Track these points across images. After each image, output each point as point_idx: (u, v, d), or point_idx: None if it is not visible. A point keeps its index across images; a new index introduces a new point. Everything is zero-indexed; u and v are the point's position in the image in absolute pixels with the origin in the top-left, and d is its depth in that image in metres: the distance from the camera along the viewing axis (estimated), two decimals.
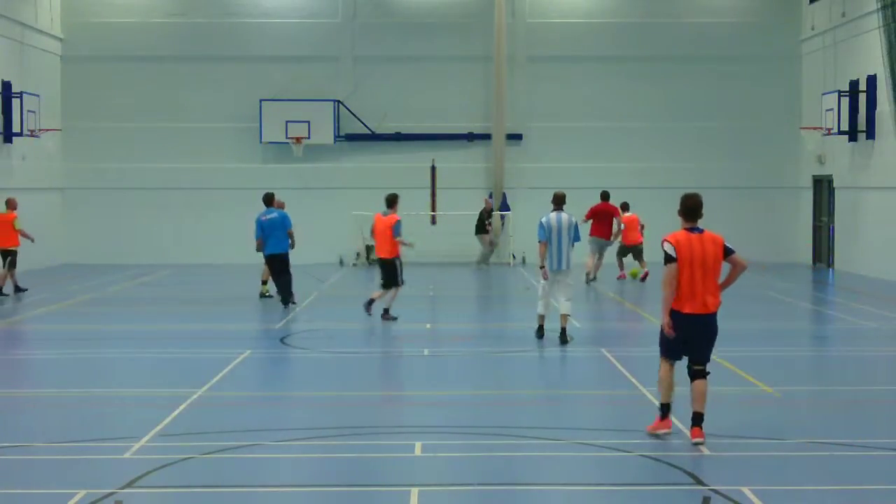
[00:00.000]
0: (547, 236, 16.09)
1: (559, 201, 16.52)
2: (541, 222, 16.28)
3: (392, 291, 19.24)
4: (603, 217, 26.52)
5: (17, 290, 23.26)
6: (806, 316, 21.37)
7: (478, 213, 32.03)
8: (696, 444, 9.90)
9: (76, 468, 9.43)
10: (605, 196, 27.25)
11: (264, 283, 22.80)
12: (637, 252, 26.93)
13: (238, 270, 28.89)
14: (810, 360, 16.04)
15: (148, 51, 33.09)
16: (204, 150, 33.18)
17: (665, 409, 10.30)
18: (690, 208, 10.50)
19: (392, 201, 19.35)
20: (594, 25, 33.52)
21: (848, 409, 11.99)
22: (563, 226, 16.17)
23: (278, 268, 21.02)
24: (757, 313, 20.55)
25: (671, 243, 10.27)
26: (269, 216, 21.30)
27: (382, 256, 19.38)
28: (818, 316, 21.38)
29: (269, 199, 21.81)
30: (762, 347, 16.15)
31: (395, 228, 19.11)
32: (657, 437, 10.25)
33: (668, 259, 10.26)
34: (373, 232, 19.65)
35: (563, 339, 16.22)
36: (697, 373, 10.21)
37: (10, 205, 23.56)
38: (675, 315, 10.26)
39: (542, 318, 16.67)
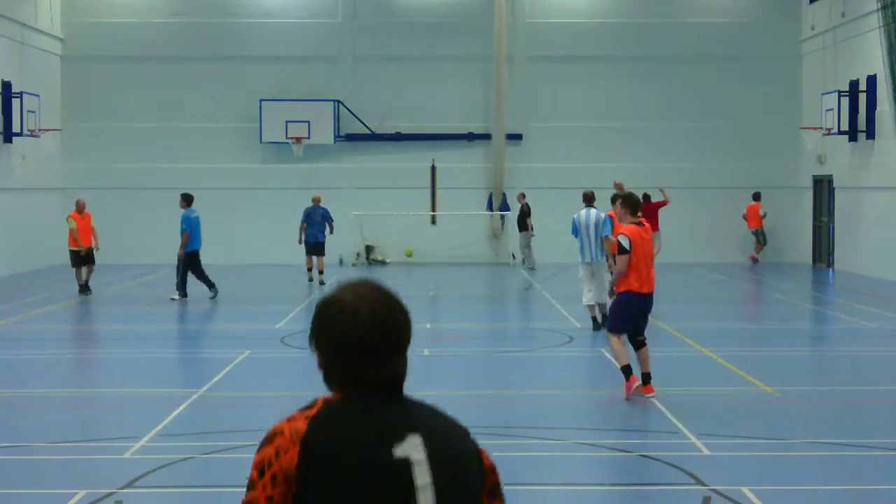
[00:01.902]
0: (577, 231, 17.58)
1: (588, 199, 18.01)
2: (573, 218, 17.79)
3: None
4: (650, 217, 26.82)
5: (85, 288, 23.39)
6: (806, 316, 21.38)
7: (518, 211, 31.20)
8: (650, 397, 11.83)
9: (76, 468, 9.44)
10: (646, 198, 27.69)
11: (310, 269, 26.17)
12: None
13: (238, 270, 28.89)
14: (810, 360, 16.04)
15: (148, 51, 33.08)
16: (204, 150, 33.17)
17: (628, 370, 11.95)
18: (636, 205, 12.30)
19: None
20: (594, 25, 33.52)
21: (848, 409, 11.99)
22: (591, 221, 17.42)
23: (180, 263, 22.49)
24: (757, 313, 20.55)
25: (627, 236, 11.96)
26: (194, 215, 22.94)
27: None
28: (818, 316, 21.39)
29: (189, 199, 23.62)
30: (762, 347, 16.16)
31: None
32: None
33: (623, 250, 11.91)
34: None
35: (597, 325, 17.34)
36: (642, 342, 12.12)
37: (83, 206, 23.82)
38: (633, 295, 11.99)
39: (591, 308, 17.64)
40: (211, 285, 22.54)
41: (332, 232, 26.56)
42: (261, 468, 2.74)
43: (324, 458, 2.68)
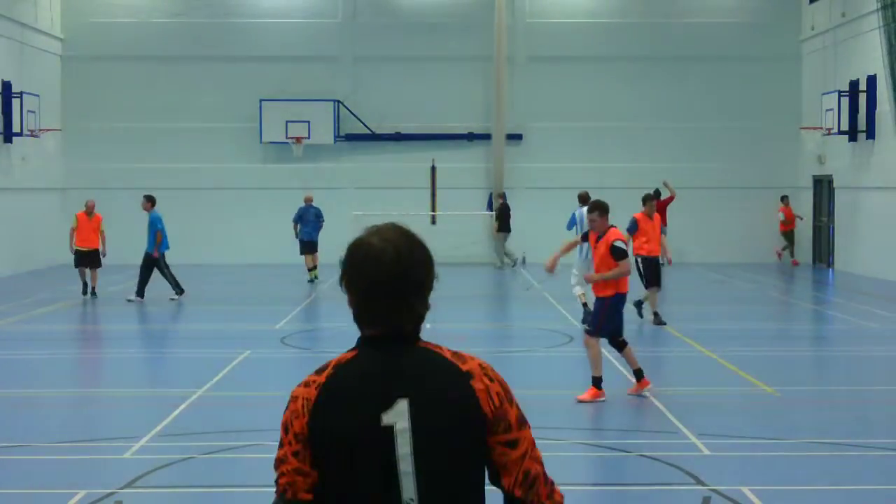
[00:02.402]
0: (573, 226, 18.48)
1: (584, 200, 18.64)
2: (573, 213, 18.69)
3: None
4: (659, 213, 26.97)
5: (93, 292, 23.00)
6: (806, 316, 21.38)
7: (496, 210, 31.54)
8: (648, 390, 12.20)
9: (76, 468, 9.44)
10: (657, 194, 27.85)
11: (310, 269, 26.70)
12: None
13: (238, 270, 28.89)
14: (810, 360, 16.04)
15: (148, 51, 33.08)
16: (204, 150, 33.17)
17: (599, 381, 12.05)
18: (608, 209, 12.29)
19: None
20: (594, 25, 33.51)
21: (848, 409, 11.99)
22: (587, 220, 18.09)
23: (145, 265, 22.25)
24: (757, 313, 20.55)
25: (624, 241, 12.20)
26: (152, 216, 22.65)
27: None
28: (818, 316, 21.39)
29: (154, 200, 23.32)
30: (762, 347, 16.15)
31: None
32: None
33: (625, 254, 12.05)
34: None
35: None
36: (624, 342, 12.37)
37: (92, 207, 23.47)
38: (623, 298, 12.26)
39: (582, 296, 18.22)
40: (177, 285, 22.42)
41: (320, 230, 27.04)
42: (285, 428, 3.04)
43: (326, 427, 2.92)
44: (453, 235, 32.68)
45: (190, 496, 8.71)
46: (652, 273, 18.14)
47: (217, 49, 33.16)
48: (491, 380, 3.00)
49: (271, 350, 15.95)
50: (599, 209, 12.14)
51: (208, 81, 33.11)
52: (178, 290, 22.39)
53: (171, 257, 32.42)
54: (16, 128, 28.40)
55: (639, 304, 18.65)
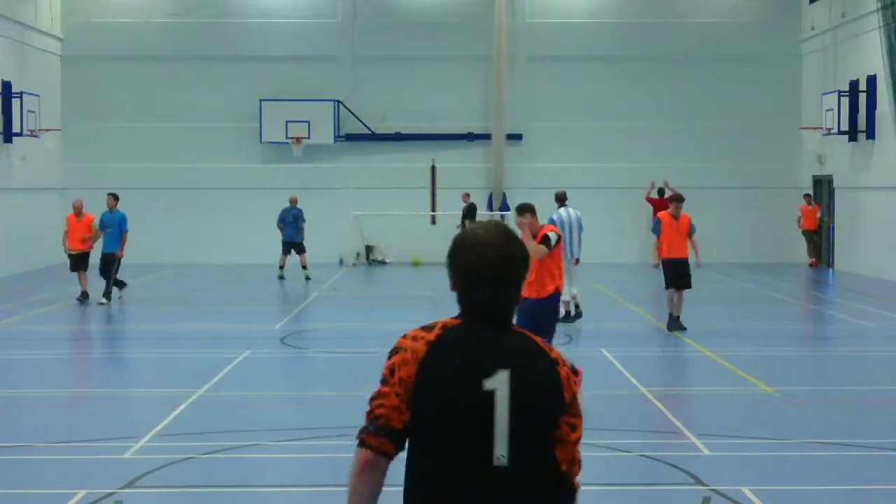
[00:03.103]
0: (561, 229, 17.96)
1: (561, 199, 18.81)
2: (552, 218, 18.04)
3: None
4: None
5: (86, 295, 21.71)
6: (806, 316, 21.38)
7: (463, 209, 30.75)
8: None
9: (76, 468, 9.43)
10: (661, 193, 27.88)
11: (282, 267, 27.13)
12: None
13: (238, 270, 28.88)
14: (810, 360, 16.04)
15: (148, 51, 33.08)
16: (204, 150, 33.16)
17: None
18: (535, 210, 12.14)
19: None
20: (594, 25, 33.51)
21: (848, 409, 11.99)
22: (573, 220, 18.39)
23: (105, 266, 21.50)
24: (757, 313, 20.55)
25: (557, 233, 11.80)
26: (112, 216, 21.99)
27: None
28: (818, 316, 21.39)
29: (118, 199, 22.71)
30: (762, 347, 16.15)
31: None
32: None
33: (548, 241, 11.59)
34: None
35: (578, 314, 18.44)
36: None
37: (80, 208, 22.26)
38: (558, 295, 11.81)
39: (567, 303, 18.25)
40: (110, 292, 21.47)
41: (300, 231, 27.53)
42: (391, 370, 3.43)
43: (432, 380, 3.37)
44: (453, 235, 32.69)
45: (190, 496, 8.71)
46: (673, 274, 17.43)
47: (217, 49, 33.15)
48: (572, 372, 3.53)
49: (271, 350, 15.95)
50: (530, 210, 11.96)
51: (208, 81, 33.10)
52: (109, 296, 21.38)
53: (171, 257, 32.60)
54: (16, 128, 28.39)
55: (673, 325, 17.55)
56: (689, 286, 17.71)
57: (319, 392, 12.97)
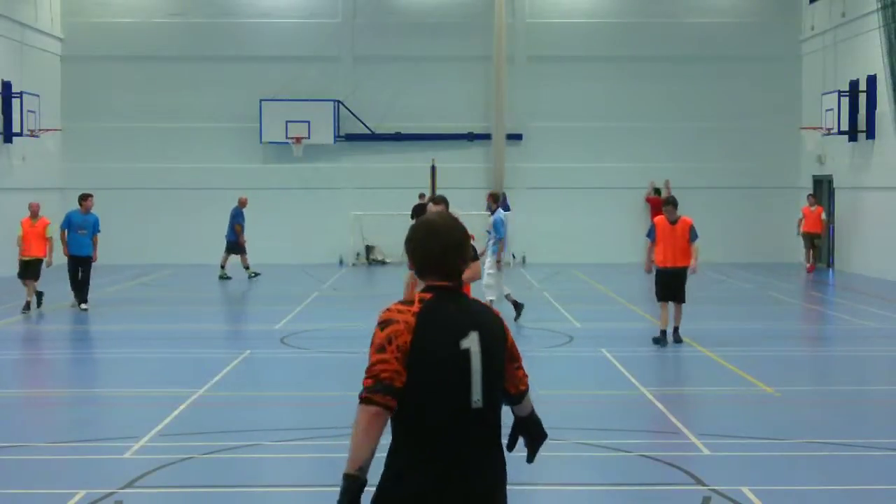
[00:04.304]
0: (503, 230, 18.50)
1: (499, 200, 19.50)
2: (500, 219, 18.51)
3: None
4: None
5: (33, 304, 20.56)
6: (806, 316, 21.38)
7: (413, 209, 30.05)
8: None
9: (76, 468, 9.43)
10: (658, 192, 27.94)
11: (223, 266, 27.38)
12: None
13: (238, 270, 28.88)
14: (810, 360, 16.04)
15: (148, 51, 33.08)
16: (204, 150, 33.17)
17: None
18: None
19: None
20: (594, 25, 33.51)
21: (848, 409, 11.99)
22: (509, 222, 19.34)
23: (83, 271, 20.55)
24: (757, 313, 20.55)
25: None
26: (87, 217, 20.78)
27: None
28: (818, 316, 21.39)
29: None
30: (762, 347, 16.15)
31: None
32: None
33: (475, 256, 11.23)
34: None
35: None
36: None
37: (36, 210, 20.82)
38: None
39: (509, 296, 18.94)
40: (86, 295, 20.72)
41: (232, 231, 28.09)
42: (389, 339, 4.14)
43: (421, 344, 4.13)
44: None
45: (190, 496, 8.71)
46: (663, 286, 16.00)
47: (217, 49, 33.15)
48: (505, 323, 4.41)
49: (271, 350, 15.95)
50: (444, 202, 11.62)
51: (208, 81, 33.10)
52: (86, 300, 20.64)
53: (171, 257, 32.61)
54: (16, 128, 28.39)
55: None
56: (682, 300, 16.11)
57: (319, 392, 12.97)
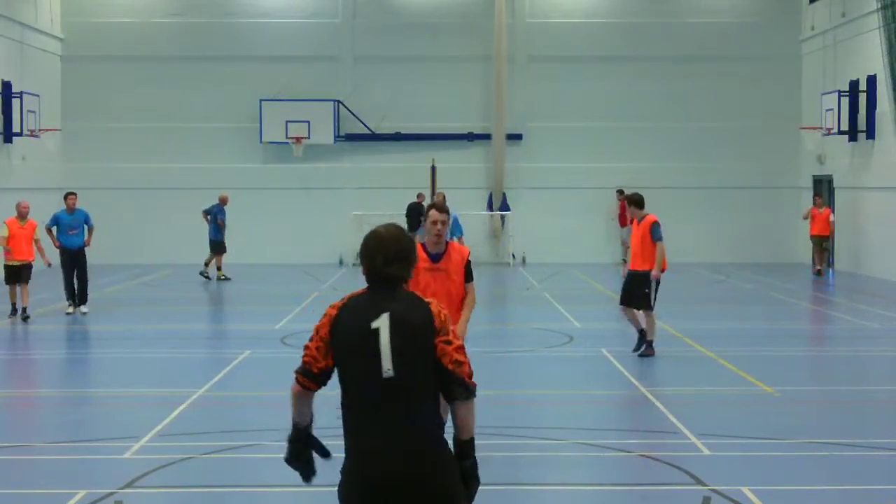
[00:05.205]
0: (460, 230, 18.24)
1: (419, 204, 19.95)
2: (455, 217, 18.83)
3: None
4: None
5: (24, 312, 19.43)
6: (806, 316, 21.38)
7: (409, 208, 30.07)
8: None
9: (76, 468, 9.44)
10: (620, 193, 28.03)
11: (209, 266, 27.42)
12: None
13: (238, 270, 28.88)
14: (810, 360, 16.04)
15: (148, 51, 33.08)
16: (204, 150, 33.17)
17: None
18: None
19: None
20: (594, 25, 33.52)
21: (848, 409, 11.99)
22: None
23: (80, 267, 20.06)
24: (757, 313, 20.55)
25: None
26: (74, 216, 20.13)
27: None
28: (818, 316, 21.38)
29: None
30: (762, 347, 16.15)
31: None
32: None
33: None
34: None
35: None
36: None
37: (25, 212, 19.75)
38: None
39: None
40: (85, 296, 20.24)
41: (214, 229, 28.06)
42: (316, 331, 4.89)
43: (338, 331, 4.81)
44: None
45: (190, 496, 8.71)
46: (623, 290, 15.08)
47: (217, 49, 33.15)
48: (442, 309, 4.80)
49: (271, 350, 15.95)
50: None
51: (208, 81, 33.10)
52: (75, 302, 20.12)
53: (171, 257, 32.60)
54: (16, 128, 28.39)
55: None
56: (640, 307, 14.78)
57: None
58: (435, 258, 9.26)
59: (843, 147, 29.79)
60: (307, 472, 5.21)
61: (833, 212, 30.59)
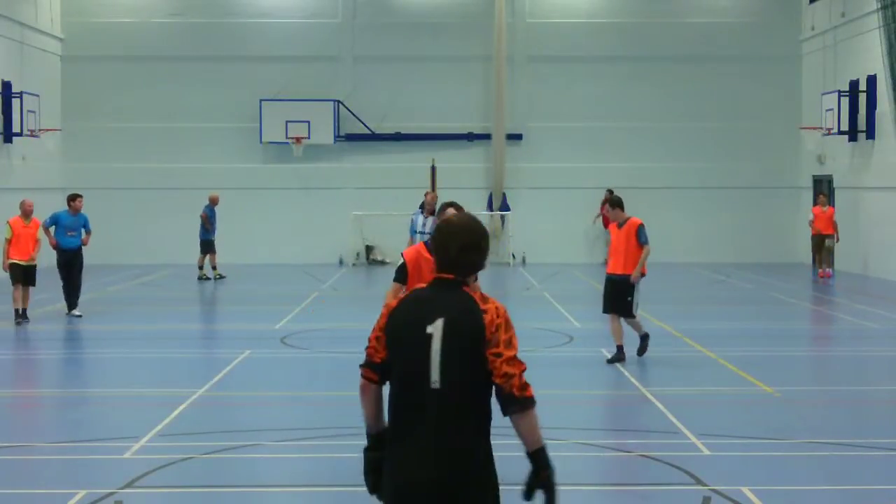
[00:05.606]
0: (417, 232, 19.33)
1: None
2: (413, 218, 19.98)
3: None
4: None
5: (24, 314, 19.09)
6: (806, 316, 21.38)
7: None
8: None
9: (76, 468, 9.44)
10: (610, 193, 27.82)
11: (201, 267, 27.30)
12: None
13: (238, 270, 28.88)
14: (810, 360, 16.04)
15: (148, 51, 33.08)
16: (204, 150, 33.17)
17: None
18: None
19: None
20: (594, 25, 33.52)
21: (848, 409, 11.99)
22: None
23: (77, 269, 19.69)
24: (757, 313, 20.55)
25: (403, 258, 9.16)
26: (77, 218, 19.62)
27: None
28: (818, 316, 21.38)
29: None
30: (762, 347, 16.15)
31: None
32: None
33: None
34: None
35: None
36: None
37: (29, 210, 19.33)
38: None
39: None
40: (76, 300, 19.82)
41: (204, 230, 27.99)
42: (378, 320, 4.80)
43: (395, 326, 4.72)
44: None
45: (190, 496, 8.71)
46: (605, 296, 14.56)
47: (217, 49, 33.15)
48: (498, 317, 4.64)
49: (271, 350, 15.95)
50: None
51: (208, 81, 33.10)
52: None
53: (171, 257, 32.60)
54: (16, 128, 28.39)
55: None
56: (621, 313, 14.29)
57: (319, 392, 12.97)
58: None
59: (843, 147, 29.79)
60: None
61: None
